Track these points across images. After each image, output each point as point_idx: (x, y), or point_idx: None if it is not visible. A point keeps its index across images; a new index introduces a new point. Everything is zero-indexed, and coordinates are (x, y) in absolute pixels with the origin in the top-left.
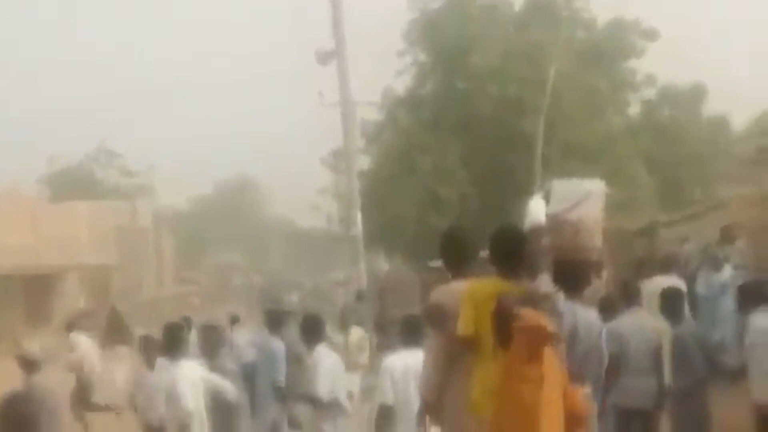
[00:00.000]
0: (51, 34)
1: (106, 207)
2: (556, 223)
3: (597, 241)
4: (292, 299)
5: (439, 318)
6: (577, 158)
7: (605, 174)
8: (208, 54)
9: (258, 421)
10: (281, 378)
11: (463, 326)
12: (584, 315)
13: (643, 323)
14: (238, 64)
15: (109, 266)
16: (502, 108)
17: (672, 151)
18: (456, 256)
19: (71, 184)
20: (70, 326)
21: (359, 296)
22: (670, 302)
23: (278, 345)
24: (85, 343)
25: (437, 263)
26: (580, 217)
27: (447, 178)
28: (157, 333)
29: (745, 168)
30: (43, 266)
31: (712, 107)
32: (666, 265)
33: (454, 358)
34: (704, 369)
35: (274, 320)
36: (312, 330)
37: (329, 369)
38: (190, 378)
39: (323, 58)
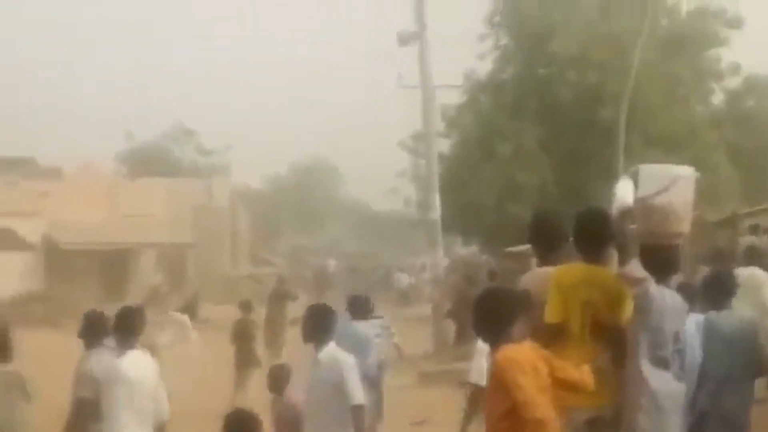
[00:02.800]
0: (130, 10)
1: (183, 185)
2: (644, 207)
3: (686, 226)
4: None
5: (526, 304)
6: (659, 147)
7: (687, 163)
8: (287, 33)
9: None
10: (371, 362)
11: (551, 313)
12: (672, 300)
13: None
14: (318, 44)
15: (185, 245)
16: (582, 95)
17: (756, 141)
18: (546, 240)
19: (148, 162)
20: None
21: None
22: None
23: (365, 329)
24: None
25: (515, 249)
26: (669, 201)
27: (526, 164)
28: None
29: None
30: (119, 243)
31: None
32: (749, 257)
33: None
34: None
35: (359, 305)
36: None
37: None
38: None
39: (404, 39)
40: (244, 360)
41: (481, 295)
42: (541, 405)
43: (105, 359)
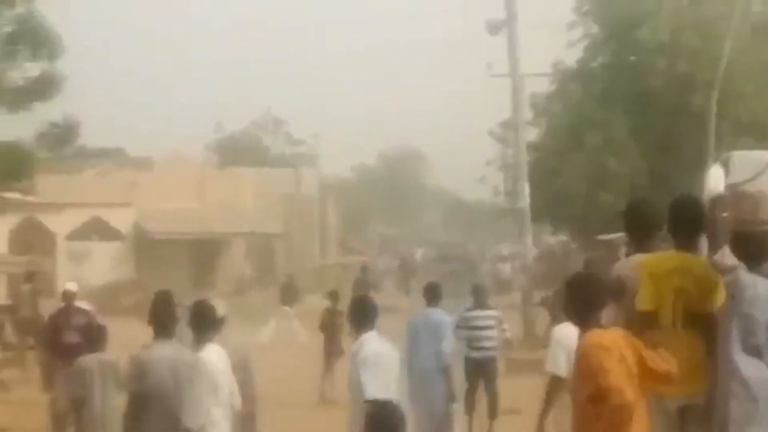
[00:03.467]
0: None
1: (272, 175)
2: (735, 193)
3: None
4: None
5: (619, 292)
6: (750, 134)
7: None
8: (375, 22)
9: (423, 396)
10: (446, 350)
11: (643, 300)
12: (765, 287)
13: None
14: (406, 33)
15: (274, 234)
16: (672, 83)
17: None
18: (640, 228)
19: (237, 151)
20: None
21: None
22: None
23: (441, 316)
24: None
25: (606, 237)
26: (761, 188)
27: (616, 153)
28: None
29: None
30: (208, 232)
31: None
32: None
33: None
34: None
35: (433, 292)
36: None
37: None
38: None
39: (494, 28)
40: (331, 349)
41: (572, 278)
42: (626, 391)
43: (183, 350)
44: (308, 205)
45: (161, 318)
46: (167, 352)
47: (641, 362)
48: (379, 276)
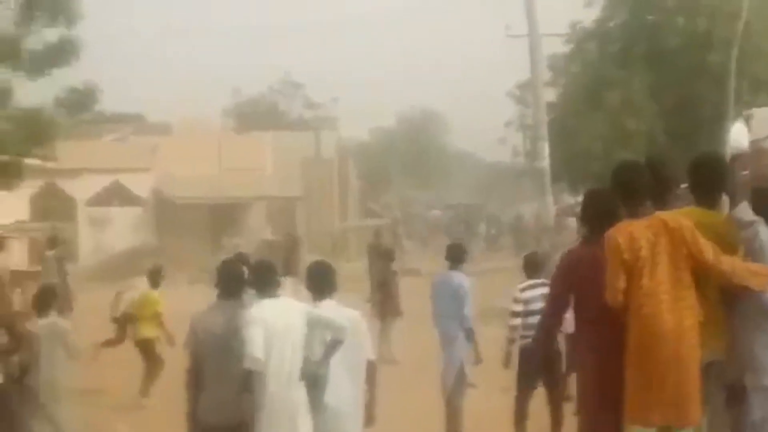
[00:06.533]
0: None
1: (291, 138)
2: (756, 150)
3: None
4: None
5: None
6: None
7: None
8: None
9: (448, 357)
10: (468, 314)
11: None
12: None
13: None
14: None
15: (294, 197)
16: (691, 41)
17: None
18: (660, 185)
19: (256, 116)
20: None
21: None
22: None
23: (461, 279)
24: None
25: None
26: None
27: (635, 112)
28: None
29: None
30: (228, 197)
31: None
32: None
33: None
34: None
35: (456, 254)
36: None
37: None
38: None
39: None
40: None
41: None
42: (611, 288)
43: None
44: (328, 168)
45: (223, 280)
46: (222, 309)
47: (689, 248)
48: (400, 238)
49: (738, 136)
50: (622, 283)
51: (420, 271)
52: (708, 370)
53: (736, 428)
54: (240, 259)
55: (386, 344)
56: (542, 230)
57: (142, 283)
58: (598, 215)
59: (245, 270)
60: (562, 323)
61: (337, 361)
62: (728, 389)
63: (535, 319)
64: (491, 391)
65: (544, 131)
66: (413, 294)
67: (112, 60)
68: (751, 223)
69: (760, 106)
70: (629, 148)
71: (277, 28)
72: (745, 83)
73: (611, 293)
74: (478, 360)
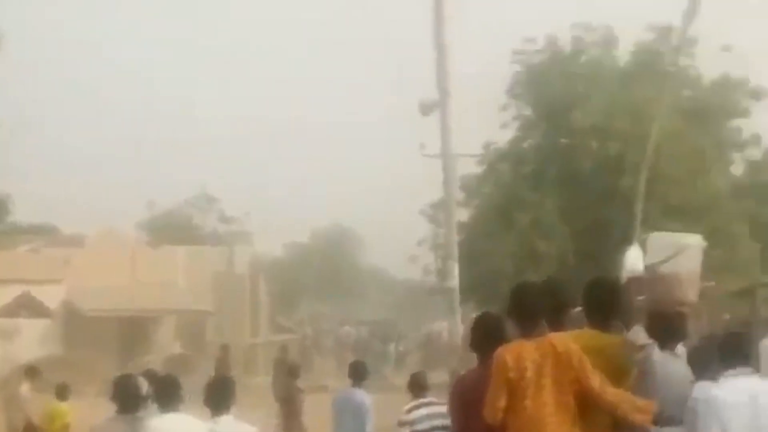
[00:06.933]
0: (151, 73)
1: (204, 252)
2: (651, 275)
3: (692, 295)
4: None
5: None
6: (679, 217)
7: (707, 234)
8: (307, 100)
9: None
10: (369, 430)
11: None
12: (675, 366)
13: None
14: (340, 112)
15: (206, 312)
16: (603, 164)
17: None
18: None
19: (169, 229)
20: None
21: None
22: None
23: (362, 396)
24: None
25: None
26: (676, 270)
27: (545, 233)
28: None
29: None
30: (140, 309)
31: None
32: None
33: None
34: None
35: (359, 371)
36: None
37: None
38: None
39: (426, 108)
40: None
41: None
42: (490, 406)
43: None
44: (239, 283)
45: (119, 395)
46: (117, 424)
47: (575, 373)
48: (310, 354)
49: (633, 259)
50: (502, 402)
51: (328, 388)
52: None
53: None
54: (148, 374)
55: None
56: (451, 349)
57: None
58: (485, 339)
59: (146, 385)
60: None
61: None
62: None
63: None
64: None
65: (454, 251)
66: (320, 411)
67: (25, 170)
68: (643, 347)
69: (670, 230)
70: (539, 268)
71: (192, 142)
72: (656, 208)
73: (490, 410)
74: None
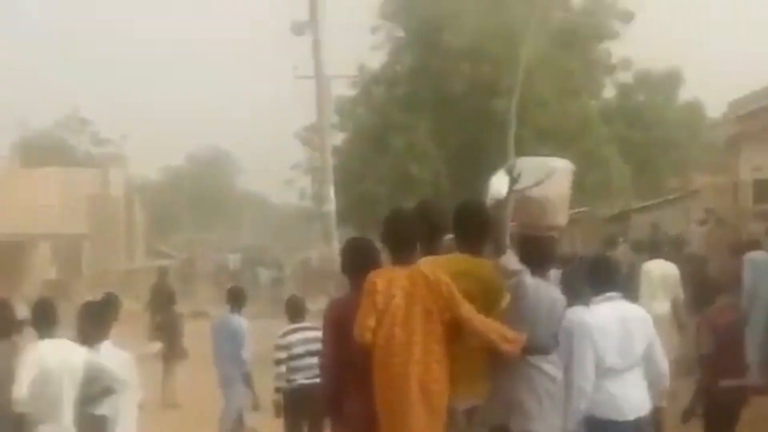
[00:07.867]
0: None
1: (78, 175)
2: (521, 199)
3: (562, 218)
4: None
5: None
6: (551, 141)
7: (579, 158)
8: (179, 20)
9: (227, 399)
10: (245, 357)
11: None
12: (547, 291)
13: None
14: (215, 31)
15: (81, 235)
16: (475, 87)
17: (647, 136)
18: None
19: (43, 151)
20: None
21: None
22: None
23: (240, 322)
24: None
25: None
26: (545, 194)
27: (419, 157)
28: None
29: (718, 155)
30: (12, 234)
31: (688, 92)
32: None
33: None
34: None
35: (236, 297)
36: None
37: None
38: None
39: (299, 28)
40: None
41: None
42: (359, 326)
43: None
44: (114, 206)
45: None
46: None
47: (445, 302)
48: (189, 280)
49: (497, 184)
50: (372, 321)
51: (209, 314)
52: (471, 414)
53: None
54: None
55: (169, 387)
56: (328, 274)
57: None
58: (356, 263)
59: (23, 309)
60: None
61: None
62: None
63: (299, 363)
64: None
65: (330, 175)
66: (201, 336)
67: None
68: (515, 272)
69: (541, 154)
70: (414, 192)
71: (66, 60)
72: (528, 132)
73: (360, 330)
74: (256, 406)
